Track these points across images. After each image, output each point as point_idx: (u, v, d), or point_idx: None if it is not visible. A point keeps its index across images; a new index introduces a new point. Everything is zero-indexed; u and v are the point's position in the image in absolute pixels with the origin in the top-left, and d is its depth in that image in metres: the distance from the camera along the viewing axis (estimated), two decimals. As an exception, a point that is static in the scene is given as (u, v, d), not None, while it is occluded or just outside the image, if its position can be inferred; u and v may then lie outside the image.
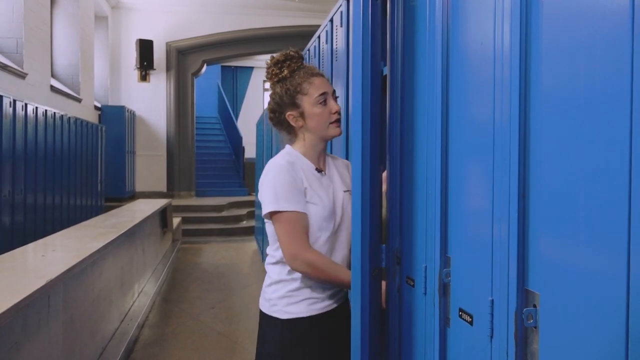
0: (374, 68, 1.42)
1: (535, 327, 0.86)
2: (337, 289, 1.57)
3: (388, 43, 1.49)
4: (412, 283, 1.35)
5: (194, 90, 11.31)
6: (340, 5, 2.10)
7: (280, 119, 1.59)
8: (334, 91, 1.58)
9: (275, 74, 1.58)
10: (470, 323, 1.04)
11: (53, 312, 2.24)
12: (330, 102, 1.55)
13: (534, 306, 0.86)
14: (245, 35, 10.79)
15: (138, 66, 10.32)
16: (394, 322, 1.48)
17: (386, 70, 1.50)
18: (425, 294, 1.26)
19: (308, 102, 1.54)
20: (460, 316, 1.08)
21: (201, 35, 10.69)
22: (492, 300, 0.95)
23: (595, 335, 0.72)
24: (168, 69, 10.66)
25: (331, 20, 2.26)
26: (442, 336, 1.18)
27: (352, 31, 1.39)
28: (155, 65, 10.47)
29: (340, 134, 1.58)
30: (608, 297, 0.69)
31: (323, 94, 1.54)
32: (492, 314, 0.95)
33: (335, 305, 1.56)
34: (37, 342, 2.05)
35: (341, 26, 2.09)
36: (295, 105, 1.55)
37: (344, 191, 1.59)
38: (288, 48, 1.61)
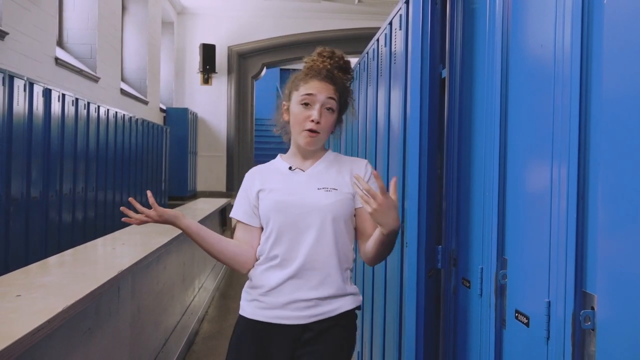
0: (433, 71, 1.44)
1: (592, 330, 0.85)
2: (302, 301, 1.42)
3: (447, 46, 1.50)
4: (467, 284, 1.35)
5: (254, 93, 11.57)
6: (400, 9, 2.12)
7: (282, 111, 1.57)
8: (330, 107, 1.46)
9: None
10: (527, 325, 1.04)
11: (122, 301, 2.38)
12: (314, 108, 1.45)
13: (592, 308, 0.86)
14: (304, 38, 10.94)
15: (201, 70, 10.68)
16: (448, 324, 1.48)
17: (445, 73, 1.51)
18: (481, 295, 1.26)
19: (295, 98, 1.49)
20: (517, 317, 1.08)
21: (262, 39, 10.92)
22: (549, 302, 0.95)
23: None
24: (229, 72, 10.97)
25: (390, 24, 2.28)
26: (497, 338, 1.18)
27: (412, 34, 1.41)
28: (217, 68, 10.80)
29: (308, 146, 1.47)
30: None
31: (309, 94, 1.46)
32: (548, 316, 0.95)
33: (293, 322, 1.43)
34: (108, 329, 2.18)
35: (400, 29, 2.11)
36: (288, 97, 1.53)
37: (319, 188, 1.46)
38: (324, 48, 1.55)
